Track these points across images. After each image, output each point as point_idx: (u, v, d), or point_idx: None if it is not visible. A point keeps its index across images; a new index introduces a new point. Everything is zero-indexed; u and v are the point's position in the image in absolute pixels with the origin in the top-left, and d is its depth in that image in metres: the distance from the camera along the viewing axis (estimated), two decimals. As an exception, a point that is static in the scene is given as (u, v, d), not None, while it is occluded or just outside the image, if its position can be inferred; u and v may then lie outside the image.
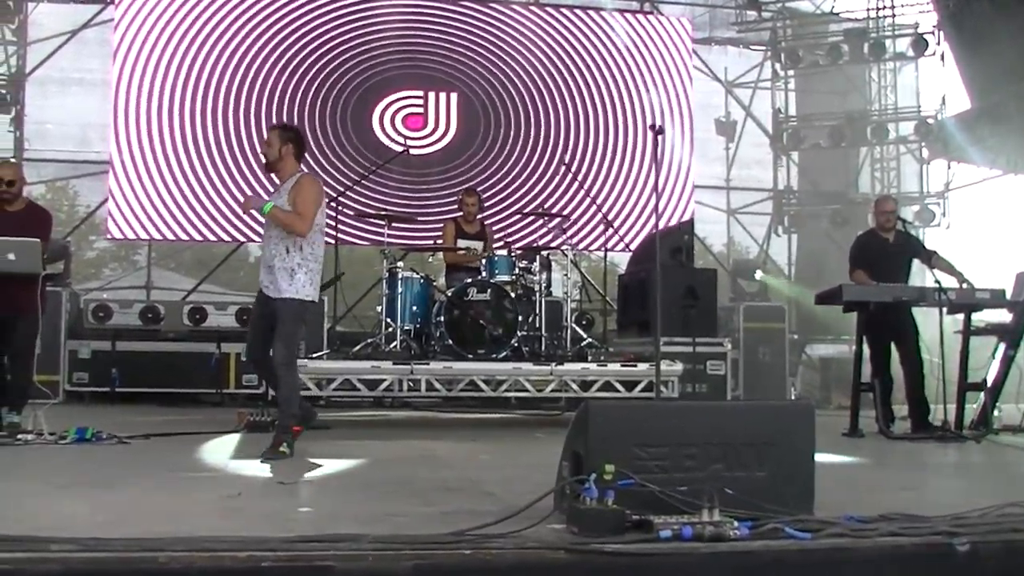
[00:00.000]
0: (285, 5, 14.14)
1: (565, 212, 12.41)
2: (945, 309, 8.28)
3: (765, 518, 3.57)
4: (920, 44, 15.15)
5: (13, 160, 10.53)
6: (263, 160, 6.59)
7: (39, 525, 3.34)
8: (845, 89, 16.14)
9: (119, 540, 3.04)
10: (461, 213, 10.24)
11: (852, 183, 16.13)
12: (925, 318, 8.76)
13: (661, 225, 7.78)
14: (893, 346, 8.74)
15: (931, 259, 8.80)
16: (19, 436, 6.65)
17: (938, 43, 14.90)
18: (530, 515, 3.53)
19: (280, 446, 5.95)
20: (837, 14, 16.37)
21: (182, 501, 4.32)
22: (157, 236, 13.74)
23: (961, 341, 8.58)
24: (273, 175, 6.59)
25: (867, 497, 4.74)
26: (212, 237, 13.88)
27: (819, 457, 4.05)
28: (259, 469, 5.45)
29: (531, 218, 13.07)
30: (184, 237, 13.70)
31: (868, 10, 15.91)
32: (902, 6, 15.64)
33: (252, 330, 6.65)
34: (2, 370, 7.39)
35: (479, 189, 11.50)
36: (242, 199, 6.94)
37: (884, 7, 15.77)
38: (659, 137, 6.81)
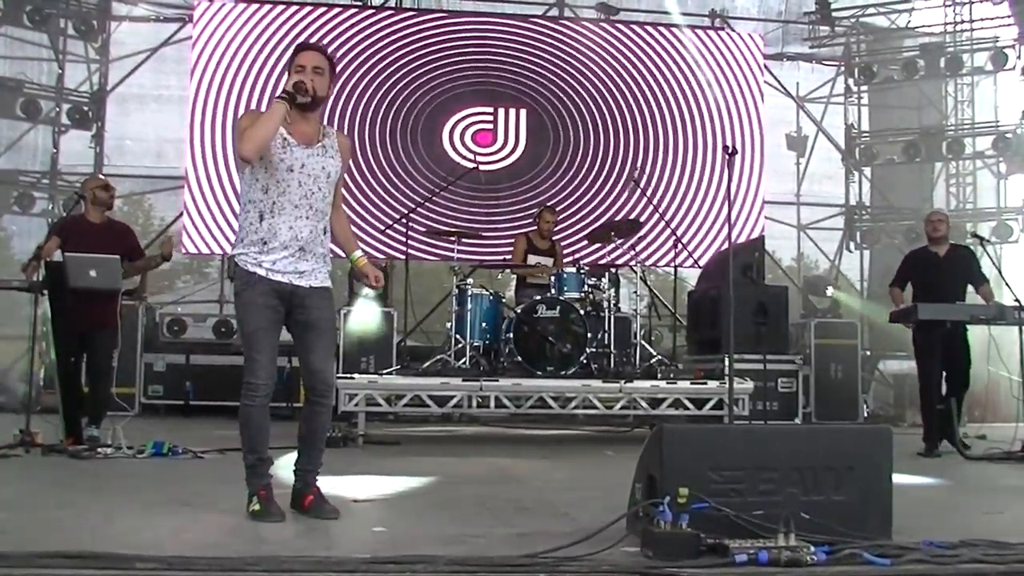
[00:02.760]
0: (357, 23, 14.32)
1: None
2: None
3: (842, 543, 3.54)
4: (1000, 58, 14.89)
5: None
6: (305, 93, 4.42)
7: (126, 543, 3.41)
8: (920, 104, 15.91)
9: (203, 559, 3.10)
10: (535, 228, 10.28)
11: (927, 199, 15.85)
12: (1005, 336, 8.61)
13: (727, 242, 7.73)
14: None
15: (980, 286, 8.66)
16: (99, 450, 6.80)
17: (1018, 57, 14.64)
18: (604, 538, 3.54)
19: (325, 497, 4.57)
20: (912, 28, 16.14)
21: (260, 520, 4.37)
22: (231, 251, 13.90)
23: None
24: (293, 112, 4.48)
25: (946, 521, 4.66)
26: (284, 252, 14.01)
27: (895, 478, 4.00)
28: (332, 486, 5.48)
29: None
30: (257, 252, 13.85)
31: (945, 24, 15.69)
32: (980, 20, 15.40)
33: (269, 343, 4.44)
34: (82, 384, 7.56)
35: (549, 204, 11.52)
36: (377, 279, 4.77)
37: (961, 21, 15.54)
38: (732, 159, 6.78)
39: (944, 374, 8.61)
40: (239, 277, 4.53)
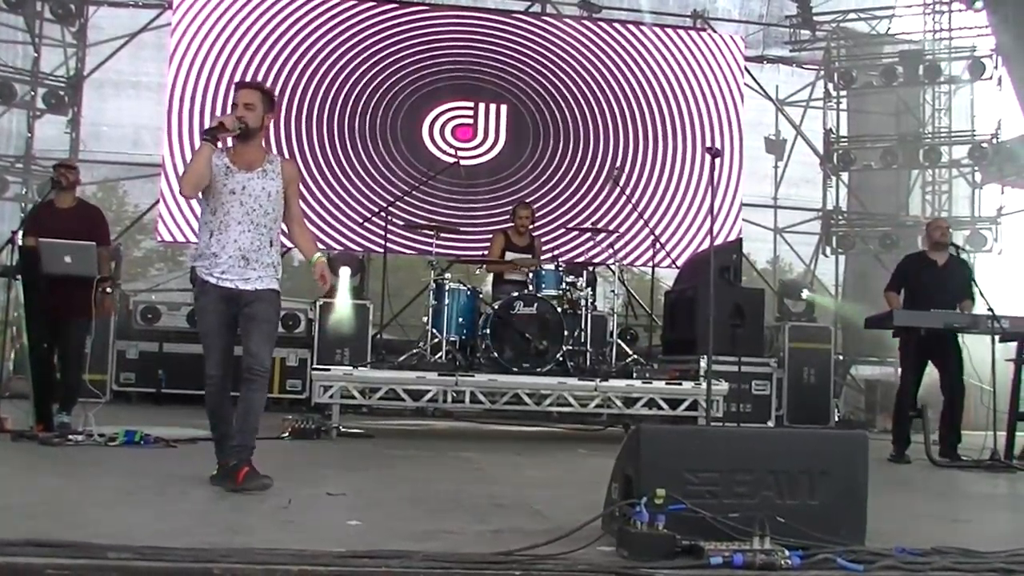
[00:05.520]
0: (339, 15, 14.24)
1: (612, 227, 12.38)
2: (998, 337, 8.17)
3: (816, 548, 3.55)
4: (977, 67, 15.01)
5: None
6: (237, 126, 5.06)
7: (97, 532, 3.37)
8: (898, 110, 16.02)
9: (177, 550, 3.07)
10: (512, 225, 10.26)
11: (903, 205, 15.97)
12: (977, 344, 8.66)
13: (710, 243, 7.75)
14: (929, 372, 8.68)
15: (963, 301, 8.68)
16: (70, 437, 6.73)
17: (995, 67, 14.75)
18: (579, 537, 3.53)
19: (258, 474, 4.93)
20: (893, 35, 16.24)
21: (234, 510, 4.35)
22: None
23: (1013, 370, 8.44)
24: (228, 143, 5.17)
25: (917, 528, 4.68)
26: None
27: (865, 483, 4.01)
28: (306, 479, 5.47)
29: (577, 232, 13.06)
30: (232, 241, 13.78)
31: (924, 32, 15.81)
32: (959, 29, 15.52)
33: (220, 342, 5.17)
34: (53, 370, 7.49)
35: (527, 201, 11.50)
36: (324, 280, 5.36)
37: (941, 29, 15.66)
38: (716, 160, 6.79)
39: (940, 380, 8.67)
40: (197, 285, 5.24)
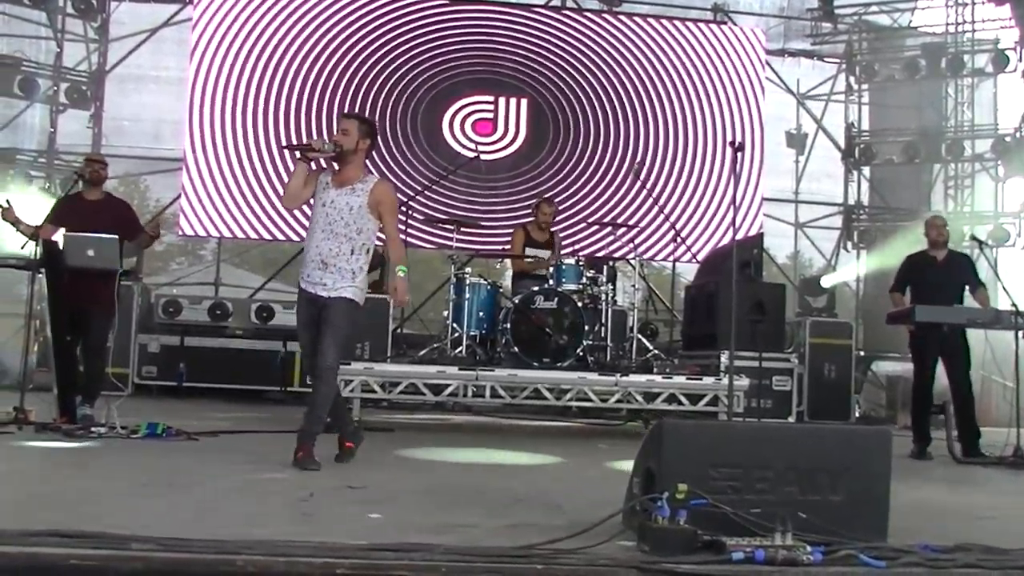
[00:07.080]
0: (360, 8, 14.26)
1: (632, 221, 12.37)
2: (1021, 333, 8.11)
3: (838, 544, 3.52)
4: (1001, 60, 14.88)
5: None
6: (332, 148, 5.88)
7: (119, 523, 3.38)
8: (920, 104, 15.90)
9: (200, 541, 3.08)
10: (533, 219, 10.24)
11: (925, 200, 15.85)
12: (1000, 341, 8.59)
13: (731, 238, 7.72)
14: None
15: (976, 291, 8.67)
16: (92, 429, 6.76)
17: (1019, 59, 14.62)
18: (600, 531, 3.52)
19: (314, 455, 5.67)
20: (915, 28, 16.13)
21: (256, 503, 4.37)
22: (227, 233, 13.92)
23: (1036, 366, 8.37)
24: (322, 163, 6.13)
25: (940, 525, 4.64)
26: (281, 236, 13.93)
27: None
28: (327, 472, 5.48)
29: (597, 227, 13.02)
30: (253, 236, 13.86)
31: (947, 25, 15.67)
32: (982, 21, 15.38)
33: (308, 334, 6.00)
34: (76, 363, 7.52)
35: (549, 197, 11.48)
36: (398, 297, 6.10)
37: (963, 22, 15.52)
38: (738, 154, 6.75)
39: (947, 377, 8.61)
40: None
